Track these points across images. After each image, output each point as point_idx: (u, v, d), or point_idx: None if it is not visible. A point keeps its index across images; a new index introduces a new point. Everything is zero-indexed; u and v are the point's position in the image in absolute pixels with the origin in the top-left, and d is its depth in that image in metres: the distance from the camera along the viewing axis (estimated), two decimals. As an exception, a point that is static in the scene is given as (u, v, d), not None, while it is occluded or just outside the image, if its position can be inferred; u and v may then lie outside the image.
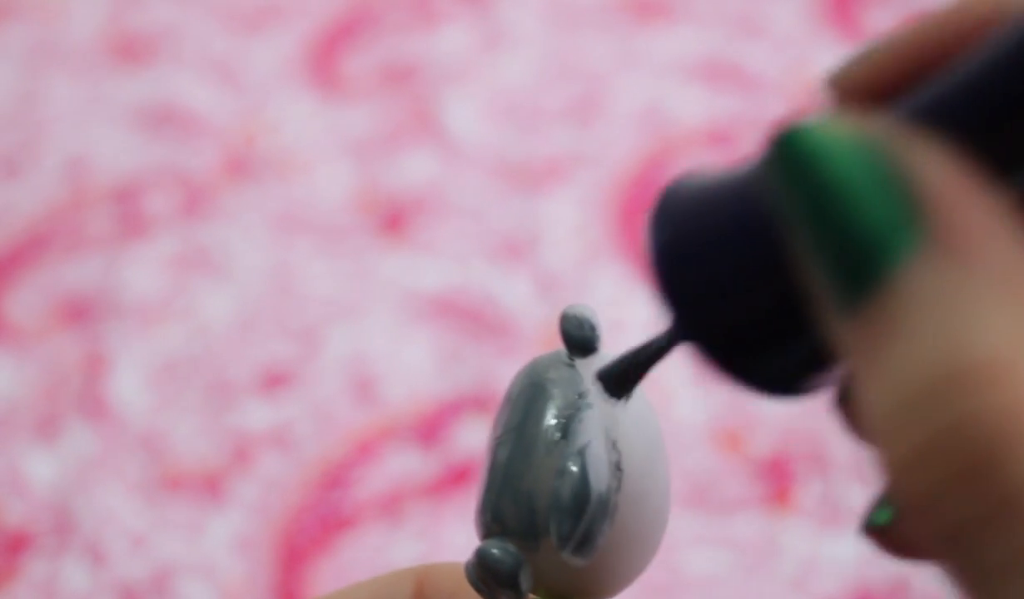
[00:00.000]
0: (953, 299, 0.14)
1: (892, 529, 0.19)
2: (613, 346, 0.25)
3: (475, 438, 0.61)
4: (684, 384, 0.62)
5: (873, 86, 0.17)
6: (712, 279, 0.19)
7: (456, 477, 0.59)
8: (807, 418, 0.60)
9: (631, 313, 0.64)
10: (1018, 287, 0.14)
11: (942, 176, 0.15)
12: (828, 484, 0.58)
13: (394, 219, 0.71)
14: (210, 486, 0.60)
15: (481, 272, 0.67)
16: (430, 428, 0.61)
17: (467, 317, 0.65)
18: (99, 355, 0.65)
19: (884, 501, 0.20)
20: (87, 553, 0.58)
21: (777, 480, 0.58)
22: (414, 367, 0.64)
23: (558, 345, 0.25)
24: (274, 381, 0.64)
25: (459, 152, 0.74)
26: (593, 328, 0.25)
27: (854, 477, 0.58)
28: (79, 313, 0.67)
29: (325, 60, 0.80)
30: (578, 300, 0.26)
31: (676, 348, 0.22)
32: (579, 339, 0.24)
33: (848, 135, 0.16)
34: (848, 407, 0.20)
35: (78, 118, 0.78)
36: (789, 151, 0.16)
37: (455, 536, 0.57)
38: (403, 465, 0.60)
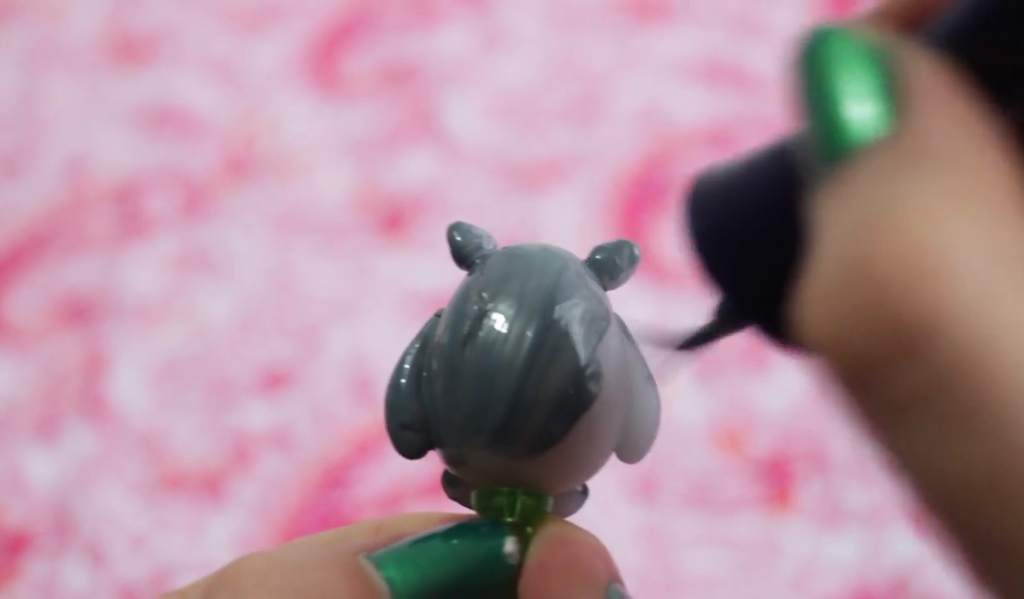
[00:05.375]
0: (899, 172, 0.16)
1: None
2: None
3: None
4: (684, 384, 0.62)
5: (906, 16, 0.19)
6: (753, 255, 0.20)
7: (456, 477, 0.59)
8: (807, 418, 0.60)
9: (631, 313, 0.64)
10: (956, 172, 0.16)
11: (926, 83, 0.17)
12: (828, 484, 0.58)
13: (394, 219, 0.71)
14: (210, 486, 0.60)
15: (481, 272, 0.67)
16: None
17: (467, 317, 0.65)
18: (99, 355, 0.65)
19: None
20: (87, 553, 0.58)
21: (777, 480, 0.58)
22: (414, 367, 0.64)
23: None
24: (274, 381, 0.64)
25: (459, 152, 0.74)
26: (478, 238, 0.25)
27: (854, 477, 0.58)
28: (79, 313, 0.67)
29: (325, 60, 0.80)
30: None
31: (735, 328, 0.22)
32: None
33: (854, 35, 0.18)
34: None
35: (78, 118, 0.78)
36: (808, 40, 0.18)
37: (455, 536, 0.57)
38: (403, 465, 0.60)
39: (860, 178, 0.16)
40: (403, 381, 0.24)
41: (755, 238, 0.20)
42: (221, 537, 0.58)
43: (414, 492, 0.59)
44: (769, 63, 0.78)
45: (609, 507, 0.57)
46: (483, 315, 0.23)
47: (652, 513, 0.57)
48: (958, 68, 0.17)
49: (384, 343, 0.65)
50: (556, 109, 0.76)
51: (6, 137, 0.77)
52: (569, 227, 0.69)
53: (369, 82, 0.79)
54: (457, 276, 0.26)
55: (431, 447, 0.25)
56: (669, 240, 0.67)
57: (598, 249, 0.26)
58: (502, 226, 0.70)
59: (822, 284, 0.16)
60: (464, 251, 0.25)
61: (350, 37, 0.82)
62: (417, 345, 0.25)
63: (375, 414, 0.62)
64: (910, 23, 0.19)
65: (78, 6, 0.85)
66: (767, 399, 0.61)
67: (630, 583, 0.24)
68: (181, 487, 0.60)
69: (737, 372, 0.62)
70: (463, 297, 0.24)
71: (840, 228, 0.16)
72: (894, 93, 0.17)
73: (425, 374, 0.24)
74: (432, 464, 0.26)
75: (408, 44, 0.81)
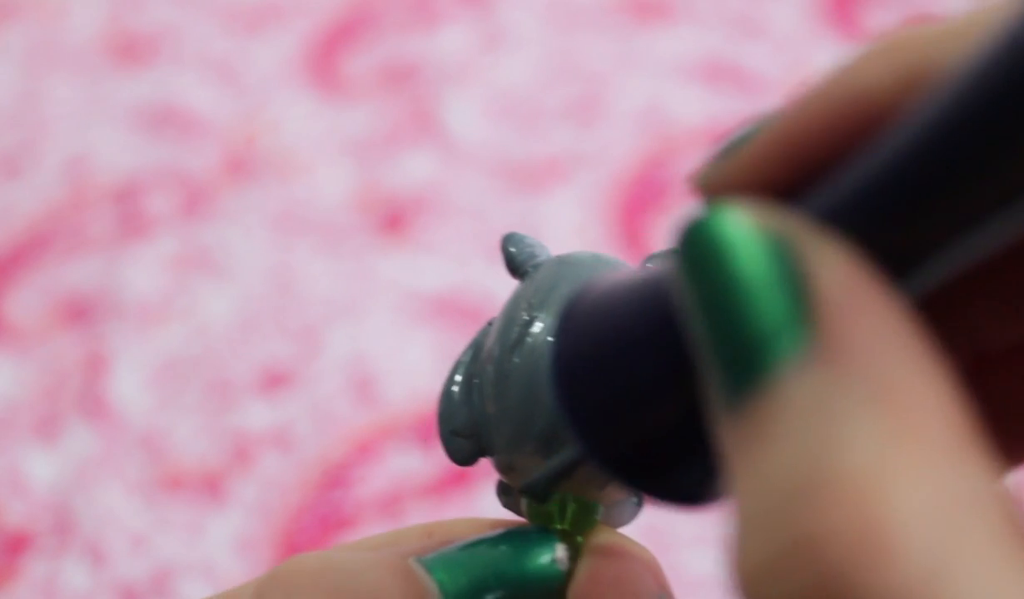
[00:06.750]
0: (825, 411, 0.14)
1: None
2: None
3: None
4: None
5: (750, 182, 0.17)
6: (610, 397, 0.18)
7: (456, 477, 0.59)
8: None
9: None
10: (892, 405, 0.14)
11: (839, 281, 0.14)
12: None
13: (394, 219, 0.71)
14: (210, 486, 0.60)
15: (481, 272, 0.67)
16: (430, 428, 0.61)
17: (467, 317, 0.65)
18: (99, 355, 0.65)
19: None
20: (87, 553, 0.58)
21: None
22: (414, 367, 0.64)
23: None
24: (274, 381, 0.64)
25: (459, 152, 0.74)
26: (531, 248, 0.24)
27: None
28: (79, 313, 0.67)
29: (325, 60, 0.80)
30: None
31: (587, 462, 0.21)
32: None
33: (756, 228, 0.15)
34: None
35: (78, 118, 0.78)
36: (697, 237, 0.16)
37: (455, 536, 0.57)
38: (403, 465, 0.60)
39: (778, 413, 0.14)
40: (455, 388, 0.25)
41: (618, 379, 0.18)
42: (221, 537, 0.58)
43: (414, 492, 0.59)
44: (769, 63, 0.78)
45: (609, 507, 0.57)
46: (531, 322, 0.23)
47: (652, 513, 0.57)
48: (857, 250, 0.15)
49: (384, 343, 0.65)
50: (556, 109, 0.76)
51: (6, 137, 0.77)
52: (569, 227, 0.69)
53: (369, 82, 0.79)
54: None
55: (482, 454, 0.24)
56: (669, 241, 0.67)
57: (650, 258, 0.25)
58: (502, 226, 0.70)
59: (760, 554, 0.14)
60: (517, 261, 0.25)
61: (350, 37, 0.82)
62: (470, 353, 0.25)
63: (375, 414, 0.62)
64: (780, 192, 0.16)
65: (78, 6, 0.85)
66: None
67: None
68: (181, 487, 0.60)
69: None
70: (513, 305, 0.24)
71: (766, 481, 0.14)
72: (804, 297, 0.14)
73: (476, 381, 0.24)
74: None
75: (408, 44, 0.81)
